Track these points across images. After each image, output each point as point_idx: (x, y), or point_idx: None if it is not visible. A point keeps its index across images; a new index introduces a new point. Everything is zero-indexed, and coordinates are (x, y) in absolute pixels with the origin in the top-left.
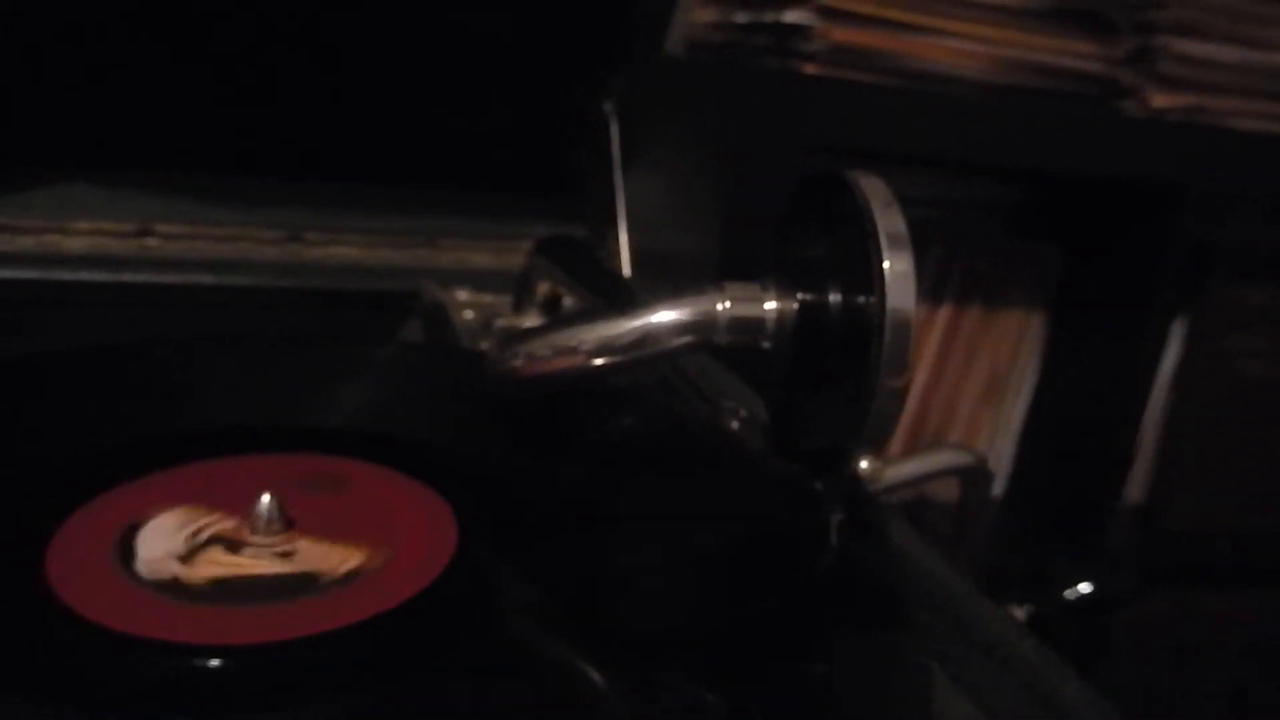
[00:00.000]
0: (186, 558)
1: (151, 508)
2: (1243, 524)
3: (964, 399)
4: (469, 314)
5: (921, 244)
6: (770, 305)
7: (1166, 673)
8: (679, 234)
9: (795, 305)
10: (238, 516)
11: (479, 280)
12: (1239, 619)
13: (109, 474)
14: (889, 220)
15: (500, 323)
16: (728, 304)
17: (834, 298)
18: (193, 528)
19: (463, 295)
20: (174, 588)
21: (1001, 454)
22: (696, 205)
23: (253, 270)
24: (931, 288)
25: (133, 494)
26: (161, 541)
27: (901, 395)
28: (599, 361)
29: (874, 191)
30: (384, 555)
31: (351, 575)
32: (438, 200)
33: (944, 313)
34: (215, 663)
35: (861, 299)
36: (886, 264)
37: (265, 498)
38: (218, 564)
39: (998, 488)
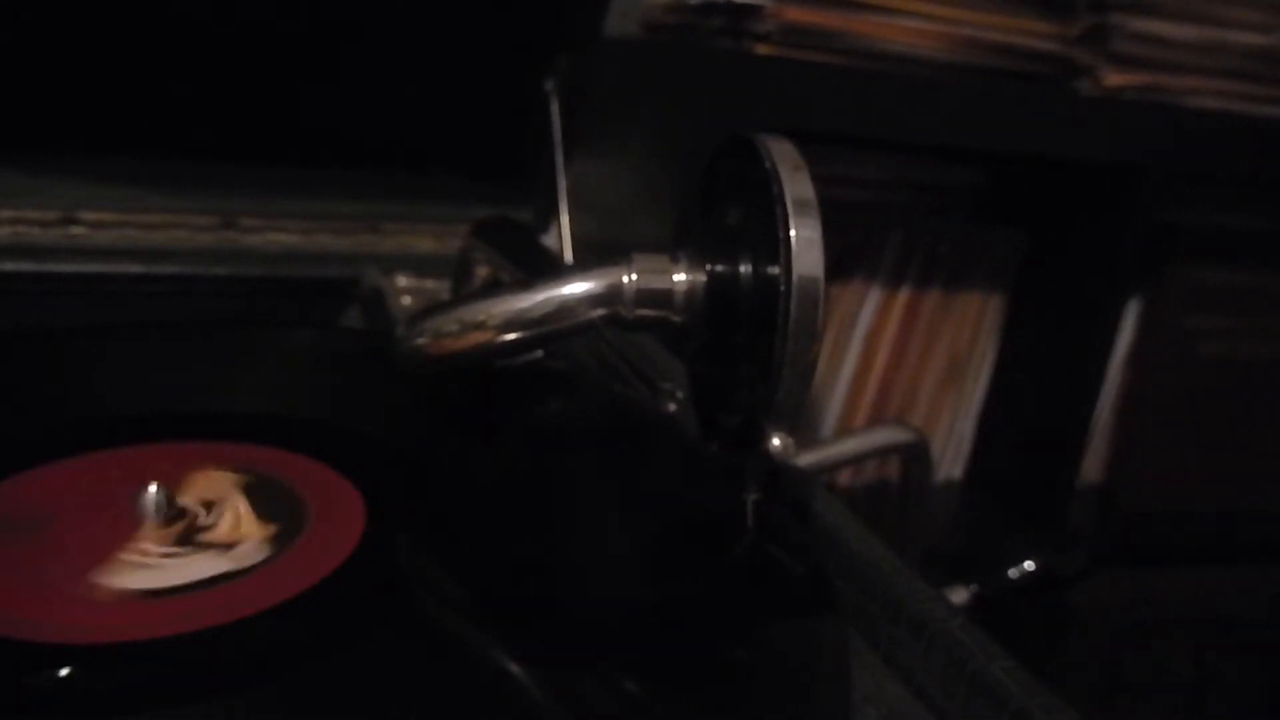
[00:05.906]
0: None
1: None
2: (1201, 503)
3: (925, 382)
4: (407, 300)
5: (883, 227)
6: (679, 277)
7: (1129, 653)
8: (635, 220)
9: (704, 277)
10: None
11: (423, 266)
12: (1200, 599)
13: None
14: (796, 185)
15: None
16: (634, 276)
17: (743, 268)
18: None
19: (403, 281)
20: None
21: (963, 436)
22: (652, 191)
23: (185, 258)
24: (892, 271)
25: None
26: None
27: (812, 365)
28: (507, 337)
29: (782, 155)
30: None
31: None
32: (380, 183)
33: (904, 296)
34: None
35: (769, 268)
36: (793, 231)
37: (151, 488)
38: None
39: (958, 469)
